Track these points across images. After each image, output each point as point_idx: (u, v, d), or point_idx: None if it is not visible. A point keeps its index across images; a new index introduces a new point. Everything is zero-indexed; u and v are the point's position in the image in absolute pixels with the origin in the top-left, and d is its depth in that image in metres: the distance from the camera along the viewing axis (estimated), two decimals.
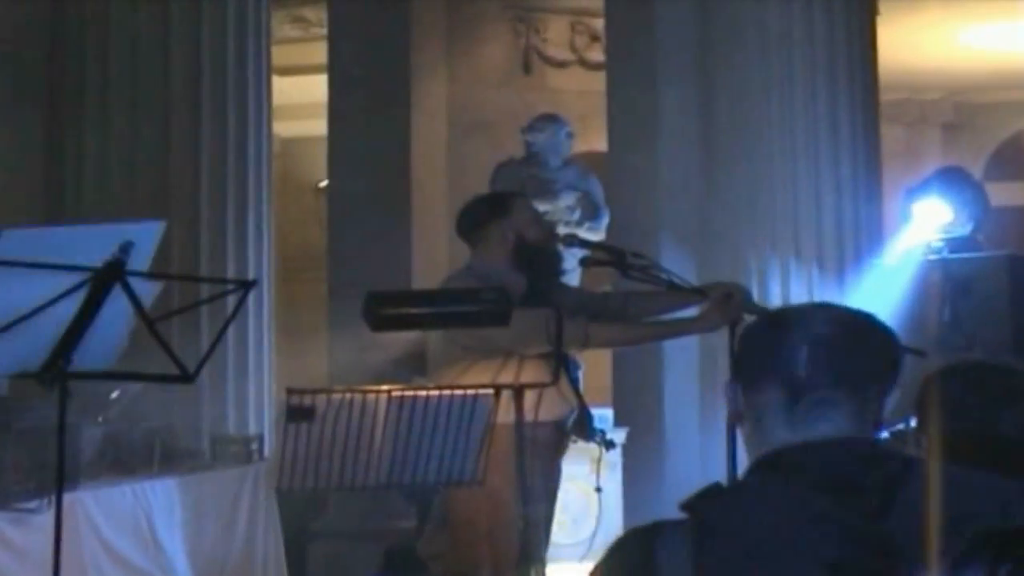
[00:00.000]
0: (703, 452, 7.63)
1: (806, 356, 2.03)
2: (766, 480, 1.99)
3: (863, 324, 2.11)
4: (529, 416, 4.57)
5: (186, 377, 3.79)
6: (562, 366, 4.74)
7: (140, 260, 3.69)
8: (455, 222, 5.42)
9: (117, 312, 3.69)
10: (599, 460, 5.21)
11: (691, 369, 7.91)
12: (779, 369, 2.05)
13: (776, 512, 1.91)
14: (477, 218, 5.28)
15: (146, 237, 3.72)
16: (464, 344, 4.95)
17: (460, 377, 4.84)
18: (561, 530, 6.12)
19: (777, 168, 7.73)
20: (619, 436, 7.22)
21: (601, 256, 5.28)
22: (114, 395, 6.48)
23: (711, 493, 1.98)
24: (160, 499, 6.27)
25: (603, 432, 5.22)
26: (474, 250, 5.30)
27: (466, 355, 4.97)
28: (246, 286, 4.27)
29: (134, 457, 6.49)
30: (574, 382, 5.22)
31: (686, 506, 1.97)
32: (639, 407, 8.08)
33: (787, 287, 7.65)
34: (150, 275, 3.75)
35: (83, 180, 7.87)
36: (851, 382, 2.03)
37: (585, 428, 5.17)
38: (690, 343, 7.56)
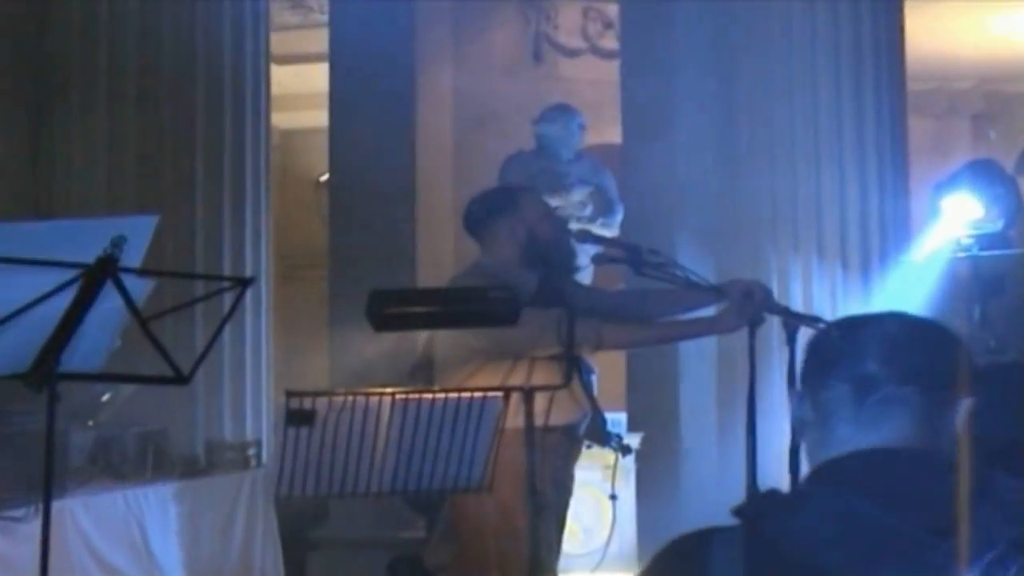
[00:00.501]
0: (721, 458, 7.61)
1: (877, 351, 2.07)
2: (827, 489, 1.98)
3: (935, 329, 2.15)
4: (540, 420, 4.57)
5: (181, 379, 3.78)
6: (574, 368, 4.74)
7: (133, 256, 3.68)
8: (462, 217, 5.42)
9: (109, 310, 3.69)
10: (614, 466, 5.21)
11: (709, 371, 7.90)
12: (848, 365, 2.08)
13: (835, 524, 1.90)
14: (486, 213, 5.28)
15: (139, 232, 3.71)
16: (472, 345, 4.95)
17: (468, 379, 4.84)
18: (573, 539, 6.13)
19: (799, 162, 7.73)
20: (633, 441, 7.22)
21: (615, 253, 5.27)
22: (105, 398, 6.49)
23: (766, 500, 1.99)
24: (153, 507, 6.27)
25: (619, 437, 5.22)
26: (483, 247, 5.30)
27: (474, 356, 4.96)
28: (243, 284, 4.25)
29: (126, 463, 6.50)
30: (587, 386, 5.21)
31: (740, 512, 1.97)
32: (654, 411, 8.08)
33: (809, 286, 7.64)
34: (143, 272, 3.74)
35: (71, 175, 7.87)
36: (922, 381, 2.06)
37: (600, 433, 5.17)
38: (708, 344, 7.56)
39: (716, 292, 5.04)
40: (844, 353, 2.09)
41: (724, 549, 1.92)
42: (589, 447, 5.28)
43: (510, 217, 5.20)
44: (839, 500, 1.94)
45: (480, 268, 5.20)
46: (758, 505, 1.98)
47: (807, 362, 2.16)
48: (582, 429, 5.14)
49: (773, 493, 2.00)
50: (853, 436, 2.04)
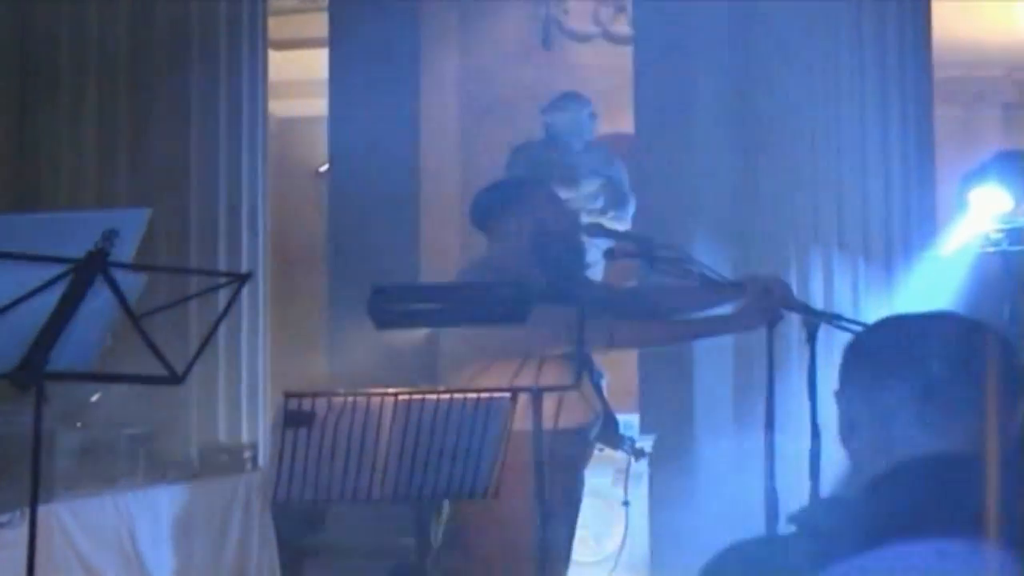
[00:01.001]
0: (737, 462, 7.61)
1: (940, 352, 2.09)
2: (895, 498, 1.99)
3: (990, 330, 2.16)
4: (549, 423, 4.56)
5: (174, 379, 3.79)
6: (585, 368, 4.73)
7: (124, 251, 3.68)
8: (468, 210, 5.41)
9: (99, 307, 3.69)
10: (627, 471, 5.21)
11: (724, 372, 7.90)
12: (910, 366, 2.09)
13: (904, 536, 1.90)
14: (493, 206, 5.28)
15: (131, 226, 3.72)
16: (478, 344, 4.94)
17: (474, 380, 4.83)
18: (583, 547, 6.12)
19: (820, 152, 7.72)
20: (645, 444, 7.23)
21: (627, 247, 5.27)
22: (95, 398, 6.50)
23: (828, 508, 1.99)
24: (144, 512, 6.28)
25: (632, 440, 5.22)
26: (490, 241, 5.29)
27: (481, 356, 4.96)
28: (240, 279, 4.26)
29: (116, 466, 6.50)
30: (598, 387, 5.21)
31: (798, 521, 1.97)
32: (667, 413, 8.07)
33: (830, 282, 7.64)
34: (135, 267, 3.75)
35: (60, 166, 7.87)
36: (985, 383, 2.07)
37: (612, 436, 5.16)
38: (723, 343, 7.55)
39: (733, 288, 5.04)
40: (905, 353, 2.11)
41: (788, 558, 1.92)
42: (601, 451, 5.28)
43: (519, 210, 5.19)
44: (909, 510, 1.94)
45: (487, 263, 5.20)
46: (819, 513, 1.99)
47: (855, 362, 2.17)
48: (593, 432, 5.14)
49: (835, 499, 2.01)
50: (921, 439, 2.05)
